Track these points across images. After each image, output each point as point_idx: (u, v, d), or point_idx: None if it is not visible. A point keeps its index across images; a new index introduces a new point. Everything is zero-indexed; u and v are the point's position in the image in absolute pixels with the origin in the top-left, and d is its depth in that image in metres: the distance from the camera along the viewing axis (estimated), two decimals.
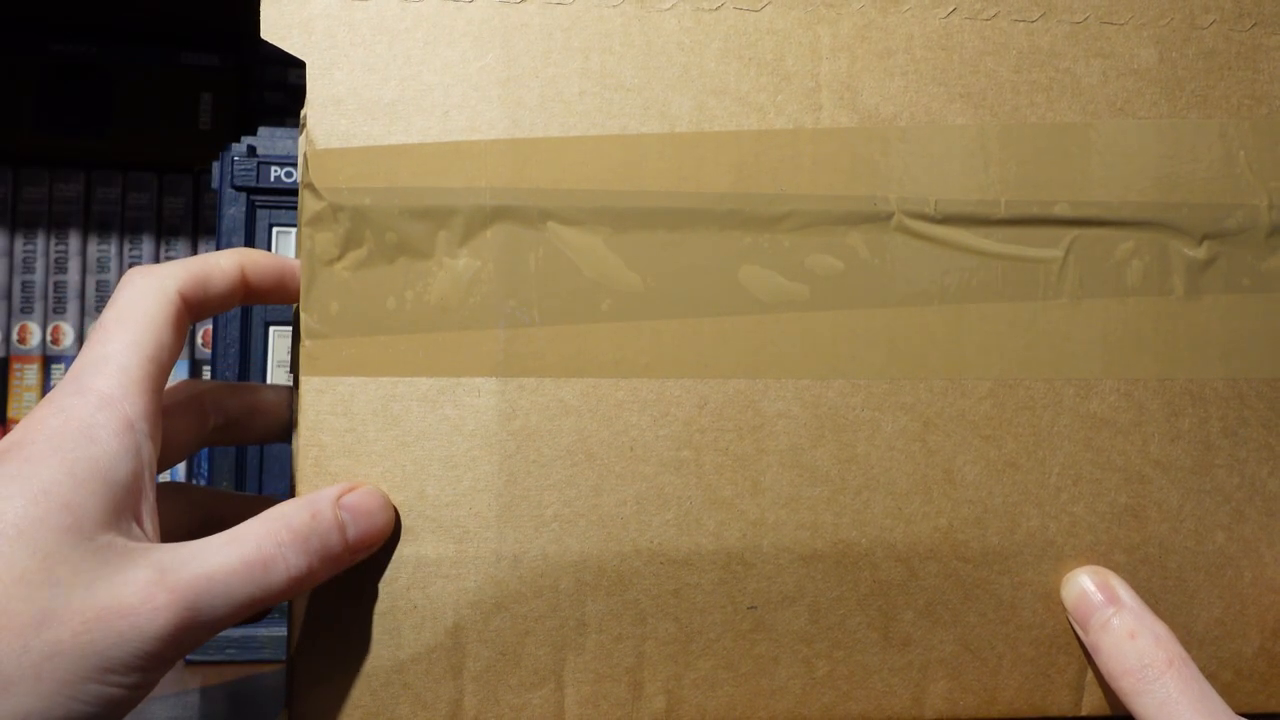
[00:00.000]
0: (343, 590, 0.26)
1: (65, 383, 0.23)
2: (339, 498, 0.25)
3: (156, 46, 0.59)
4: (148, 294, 0.24)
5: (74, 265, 0.59)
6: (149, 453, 0.23)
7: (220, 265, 0.26)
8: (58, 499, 0.21)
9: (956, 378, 0.28)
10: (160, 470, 0.26)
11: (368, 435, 0.26)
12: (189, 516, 0.28)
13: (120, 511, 0.22)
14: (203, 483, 0.50)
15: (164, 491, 0.27)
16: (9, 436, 0.23)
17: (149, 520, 0.23)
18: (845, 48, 0.28)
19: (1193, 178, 0.29)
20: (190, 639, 0.22)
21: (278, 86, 0.59)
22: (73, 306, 0.59)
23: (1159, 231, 0.28)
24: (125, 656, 0.21)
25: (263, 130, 0.40)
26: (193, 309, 0.26)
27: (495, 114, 0.27)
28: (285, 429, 0.30)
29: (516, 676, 0.26)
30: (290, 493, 0.26)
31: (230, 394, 0.29)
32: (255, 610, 0.23)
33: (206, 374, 0.55)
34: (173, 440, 0.27)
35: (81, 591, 0.21)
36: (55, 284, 0.59)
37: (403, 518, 0.26)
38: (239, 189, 0.39)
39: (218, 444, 0.30)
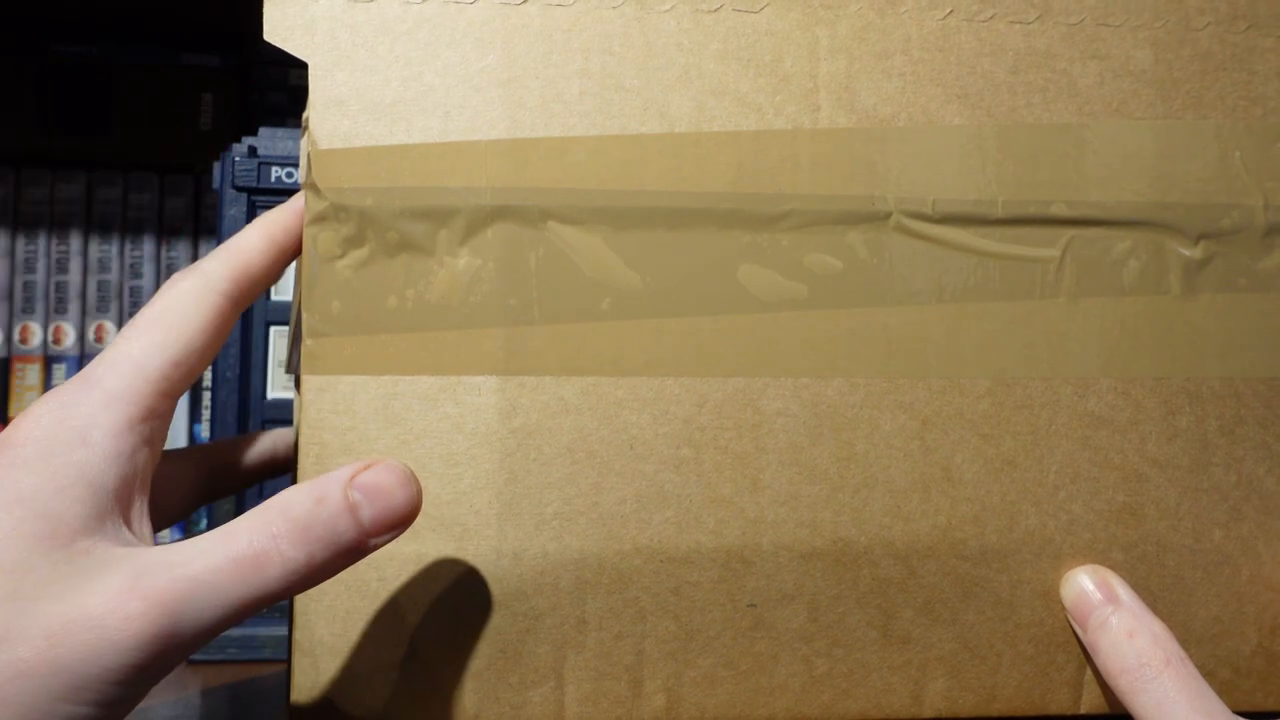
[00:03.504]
0: (343, 588, 0.26)
1: (78, 375, 0.23)
2: (352, 478, 0.22)
3: (156, 46, 0.59)
4: (188, 296, 0.24)
5: (75, 265, 0.59)
6: (145, 456, 0.23)
7: (253, 246, 0.25)
8: (35, 507, 0.20)
9: (955, 376, 0.28)
10: (163, 526, 0.26)
11: (369, 434, 0.26)
12: (195, 476, 0.28)
13: (105, 516, 0.21)
14: None
15: (166, 458, 0.27)
16: (4, 433, 0.22)
17: (140, 523, 0.22)
18: (843, 49, 0.28)
19: (1188, 178, 0.29)
20: (175, 648, 0.20)
21: (279, 87, 0.59)
22: (74, 307, 0.59)
23: (1155, 231, 0.29)
24: (98, 672, 0.19)
25: (264, 131, 0.40)
26: (239, 304, 0.25)
27: (496, 114, 0.27)
28: (277, 467, 0.30)
29: (517, 674, 0.26)
30: None
31: (224, 448, 0.29)
32: (254, 611, 0.21)
33: (207, 374, 0.55)
34: (174, 490, 0.27)
35: (49, 605, 0.20)
36: (57, 284, 0.59)
37: None
38: (240, 189, 0.39)
39: (219, 496, 0.29)
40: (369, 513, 0.22)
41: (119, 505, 0.22)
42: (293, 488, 0.22)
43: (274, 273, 0.26)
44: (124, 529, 0.22)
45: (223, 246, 0.25)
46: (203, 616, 0.20)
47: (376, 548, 0.22)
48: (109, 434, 0.22)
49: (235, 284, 0.25)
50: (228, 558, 0.21)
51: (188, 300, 0.24)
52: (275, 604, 0.22)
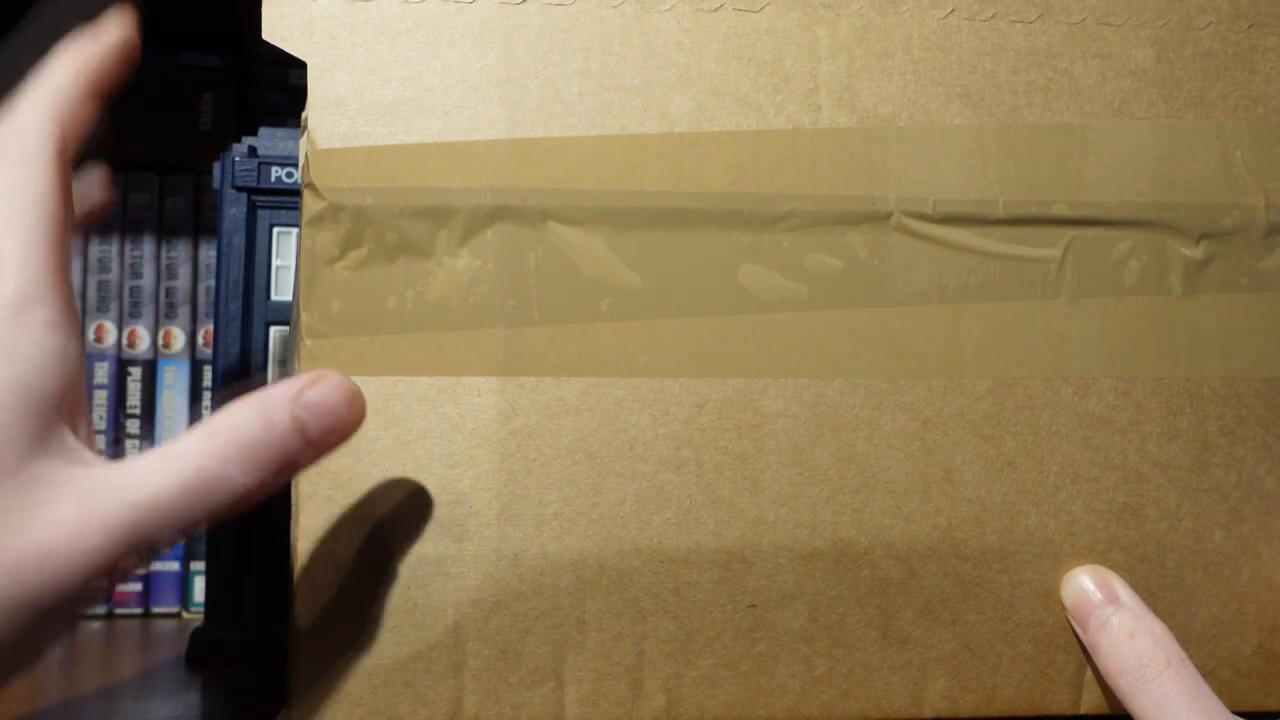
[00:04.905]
0: (343, 589, 0.26)
1: None
2: (299, 394, 0.22)
3: (156, 46, 0.59)
4: (25, 170, 0.22)
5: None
6: (75, 350, 0.22)
7: (61, 85, 0.24)
8: None
9: (955, 377, 0.28)
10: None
11: (368, 434, 0.26)
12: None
13: (50, 426, 0.21)
14: None
15: None
16: None
17: (86, 430, 0.22)
18: (844, 48, 0.28)
19: (1190, 178, 0.29)
20: (132, 565, 0.21)
21: (278, 87, 0.59)
22: None
23: (1156, 231, 0.29)
24: (60, 599, 0.20)
25: (264, 131, 0.40)
26: (71, 149, 0.24)
27: (495, 114, 0.27)
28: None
29: (517, 674, 0.26)
30: (291, 489, 0.26)
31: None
32: (207, 525, 0.22)
33: (207, 375, 0.55)
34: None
35: (4, 538, 0.20)
36: None
37: (403, 518, 0.26)
38: (240, 189, 0.39)
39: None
40: (316, 430, 0.22)
41: (65, 410, 0.22)
42: (240, 406, 0.22)
43: (93, 111, 0.25)
44: (69, 436, 0.22)
45: (36, 97, 0.24)
46: (154, 537, 0.21)
47: (320, 458, 0.23)
48: (33, 342, 0.21)
49: (62, 135, 0.23)
50: (180, 484, 0.21)
51: (25, 175, 0.22)
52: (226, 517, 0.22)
